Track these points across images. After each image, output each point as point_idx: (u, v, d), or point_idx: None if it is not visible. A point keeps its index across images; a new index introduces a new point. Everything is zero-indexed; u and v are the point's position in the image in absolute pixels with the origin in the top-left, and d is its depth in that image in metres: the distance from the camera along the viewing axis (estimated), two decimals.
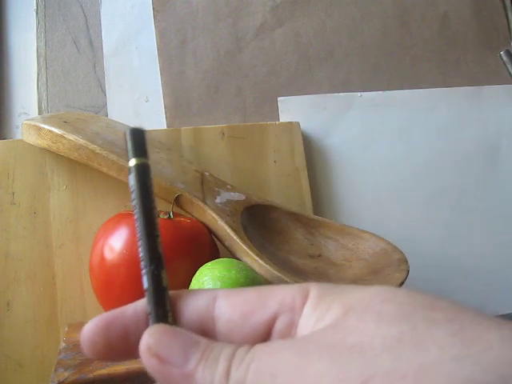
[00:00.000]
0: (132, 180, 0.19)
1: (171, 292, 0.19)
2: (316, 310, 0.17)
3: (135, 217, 0.19)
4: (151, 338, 0.16)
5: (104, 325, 0.18)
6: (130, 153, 0.19)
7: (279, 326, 0.17)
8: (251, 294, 0.18)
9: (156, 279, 0.18)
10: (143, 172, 0.19)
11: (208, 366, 0.16)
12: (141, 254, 0.18)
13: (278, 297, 0.17)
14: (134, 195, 0.19)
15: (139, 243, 0.19)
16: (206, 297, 0.18)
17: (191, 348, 0.16)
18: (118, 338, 0.18)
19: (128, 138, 0.19)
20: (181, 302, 0.18)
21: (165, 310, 0.18)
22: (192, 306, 0.18)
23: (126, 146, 0.19)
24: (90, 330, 0.18)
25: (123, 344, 0.18)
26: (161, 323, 0.17)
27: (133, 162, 0.19)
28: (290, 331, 0.17)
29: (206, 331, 0.18)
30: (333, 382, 0.13)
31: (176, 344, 0.16)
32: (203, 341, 0.16)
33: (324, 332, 0.15)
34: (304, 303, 0.17)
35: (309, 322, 0.16)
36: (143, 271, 0.18)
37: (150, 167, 0.19)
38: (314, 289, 0.17)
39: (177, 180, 0.43)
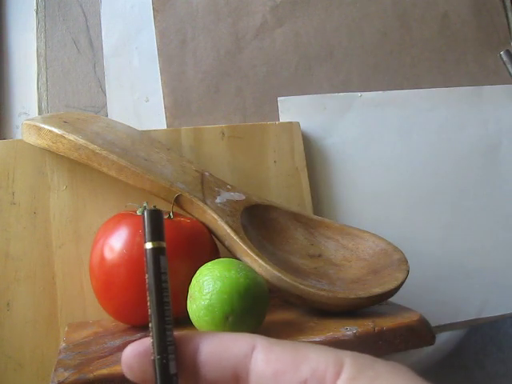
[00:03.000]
0: (147, 262, 0.20)
1: (210, 333, 0.19)
2: None
3: (148, 298, 0.20)
4: None
5: (140, 353, 0.19)
6: (147, 236, 0.20)
7: None
8: (287, 354, 0.18)
9: (164, 368, 0.18)
10: (158, 255, 0.20)
11: None
12: (151, 340, 0.19)
13: (311, 363, 0.17)
14: (148, 277, 0.19)
15: (150, 325, 0.19)
16: (246, 345, 0.18)
17: None
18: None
19: (145, 220, 0.20)
20: (220, 347, 0.18)
21: None
22: (229, 353, 0.18)
23: (143, 228, 0.20)
24: (127, 355, 0.19)
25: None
26: None
27: (149, 246, 0.20)
28: None
29: (239, 378, 0.18)
30: None
31: None
32: None
33: None
34: (336, 378, 0.17)
35: None
36: (152, 357, 0.19)
37: (165, 250, 0.20)
38: (347, 365, 0.17)
39: (177, 180, 0.43)
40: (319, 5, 0.61)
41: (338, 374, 0.17)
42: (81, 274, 0.45)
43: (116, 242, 0.38)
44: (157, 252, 0.20)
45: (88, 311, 0.45)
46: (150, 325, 0.19)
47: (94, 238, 0.41)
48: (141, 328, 0.39)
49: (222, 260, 0.36)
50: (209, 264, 0.35)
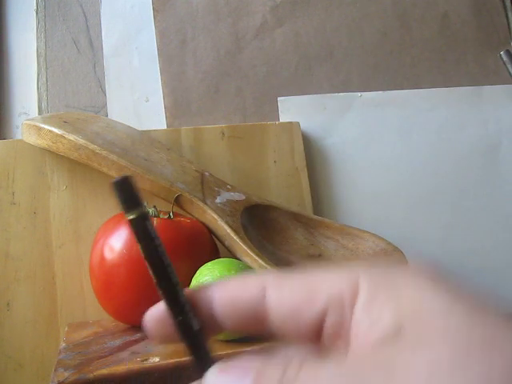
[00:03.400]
0: (135, 234, 0.18)
1: (219, 283, 0.19)
2: (367, 314, 0.16)
3: (149, 268, 0.19)
4: None
5: (160, 318, 0.19)
6: (124, 208, 0.18)
7: (330, 323, 0.17)
8: (299, 287, 0.18)
9: (187, 327, 0.18)
10: (143, 223, 0.18)
11: None
12: (166, 305, 0.19)
13: (325, 291, 0.17)
14: (141, 247, 0.18)
15: (160, 292, 0.19)
16: (256, 288, 0.18)
17: (245, 379, 0.16)
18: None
19: (115, 193, 0.18)
20: (232, 293, 0.18)
21: (206, 351, 0.18)
22: (243, 299, 0.18)
23: (117, 200, 0.18)
24: (149, 323, 0.19)
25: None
26: (210, 368, 0.17)
27: (129, 217, 0.18)
28: (340, 332, 0.17)
29: (261, 321, 0.18)
30: None
31: (231, 378, 0.17)
32: (254, 369, 0.16)
33: (379, 354, 0.15)
34: (353, 302, 0.16)
35: (360, 328, 0.16)
36: (173, 321, 0.18)
37: (148, 215, 0.18)
38: (363, 283, 0.17)
39: (177, 180, 0.43)
40: (319, 5, 0.61)
41: (354, 298, 0.16)
42: (81, 274, 0.45)
43: (116, 242, 0.38)
44: (140, 220, 0.18)
45: (88, 311, 0.45)
46: (160, 292, 0.19)
47: (94, 238, 0.41)
48: (141, 328, 0.39)
49: (221, 260, 0.36)
50: (209, 264, 0.35)
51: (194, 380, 0.18)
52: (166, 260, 0.18)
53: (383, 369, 0.14)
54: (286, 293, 0.18)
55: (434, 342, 0.14)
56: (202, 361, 0.18)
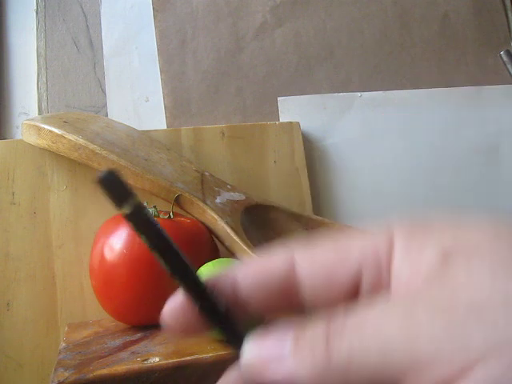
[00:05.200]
0: (135, 228, 0.17)
1: (248, 261, 0.18)
2: (408, 258, 0.15)
3: (158, 259, 0.17)
4: (247, 358, 0.16)
5: (182, 308, 0.17)
6: (115, 204, 0.17)
7: (367, 279, 0.16)
8: (330, 251, 0.17)
9: (213, 311, 0.17)
10: (139, 213, 0.17)
11: (303, 348, 0.14)
12: (184, 293, 0.17)
13: (359, 248, 0.16)
14: (146, 240, 0.17)
15: (177, 282, 0.17)
16: (284, 261, 0.17)
17: (284, 340, 0.15)
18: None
19: (103, 190, 0.16)
20: (258, 271, 0.17)
21: (238, 332, 0.17)
22: (271, 274, 0.17)
23: (108, 197, 0.17)
24: (169, 314, 0.18)
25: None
26: (245, 344, 0.16)
27: (124, 211, 0.17)
28: (379, 287, 0.16)
29: (289, 293, 0.17)
30: (454, 353, 0.12)
31: (269, 345, 0.15)
32: (292, 331, 0.15)
33: (428, 289, 0.14)
34: (391, 250, 0.16)
35: (403, 271, 0.15)
36: (196, 307, 0.17)
37: (141, 204, 0.17)
38: (398, 234, 0.16)
39: (177, 180, 0.43)
40: (319, 5, 0.61)
41: (390, 249, 0.16)
42: (81, 274, 0.45)
43: (116, 242, 0.38)
44: (137, 211, 0.17)
45: (88, 311, 0.45)
46: (176, 280, 0.17)
47: (94, 238, 0.41)
48: (141, 328, 0.39)
49: (222, 260, 0.36)
50: (209, 264, 0.35)
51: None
52: (174, 246, 0.17)
53: (442, 286, 0.13)
54: (317, 259, 0.17)
55: (487, 254, 0.13)
56: (237, 341, 0.17)
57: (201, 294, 0.17)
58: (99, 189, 0.16)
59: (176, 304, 0.17)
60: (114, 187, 0.16)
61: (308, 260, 0.17)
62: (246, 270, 0.18)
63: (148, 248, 0.17)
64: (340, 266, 0.16)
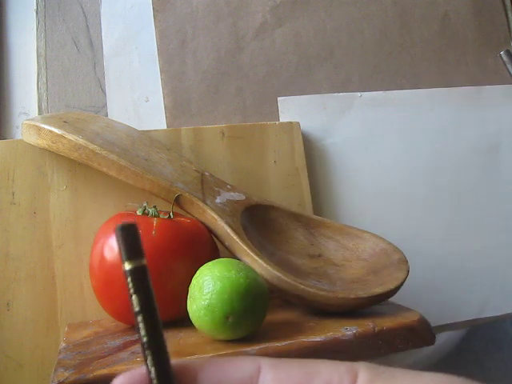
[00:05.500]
0: (134, 285, 0.17)
1: (213, 359, 0.18)
2: None
3: (139, 324, 0.17)
4: None
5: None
6: (123, 255, 0.17)
7: None
8: (296, 371, 0.17)
9: None
10: (140, 275, 0.17)
11: None
12: (149, 373, 0.17)
13: (324, 375, 0.17)
14: (136, 301, 0.17)
15: (144, 356, 0.17)
16: (250, 367, 0.17)
17: None
18: None
19: (118, 238, 0.17)
20: (221, 373, 0.17)
21: None
22: (233, 377, 0.17)
23: (120, 246, 0.17)
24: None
25: None
26: None
27: (128, 266, 0.17)
28: None
29: None
30: None
31: None
32: None
33: None
34: (354, 382, 0.16)
35: None
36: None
37: (146, 268, 0.17)
38: (362, 373, 0.17)
39: (177, 180, 0.43)
40: (319, 5, 0.61)
41: (353, 382, 0.16)
42: (81, 274, 0.45)
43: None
44: (141, 271, 0.17)
45: (88, 311, 0.45)
46: (144, 354, 0.17)
47: (94, 237, 0.41)
48: None
49: (221, 260, 0.36)
50: (209, 264, 0.35)
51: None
52: (160, 321, 0.17)
53: None
54: (282, 374, 0.17)
55: None
56: None
57: (164, 375, 0.17)
58: (116, 236, 0.17)
59: (133, 379, 0.17)
60: (130, 240, 0.17)
61: (274, 373, 0.17)
62: (210, 369, 0.18)
63: (133, 310, 0.17)
64: None
